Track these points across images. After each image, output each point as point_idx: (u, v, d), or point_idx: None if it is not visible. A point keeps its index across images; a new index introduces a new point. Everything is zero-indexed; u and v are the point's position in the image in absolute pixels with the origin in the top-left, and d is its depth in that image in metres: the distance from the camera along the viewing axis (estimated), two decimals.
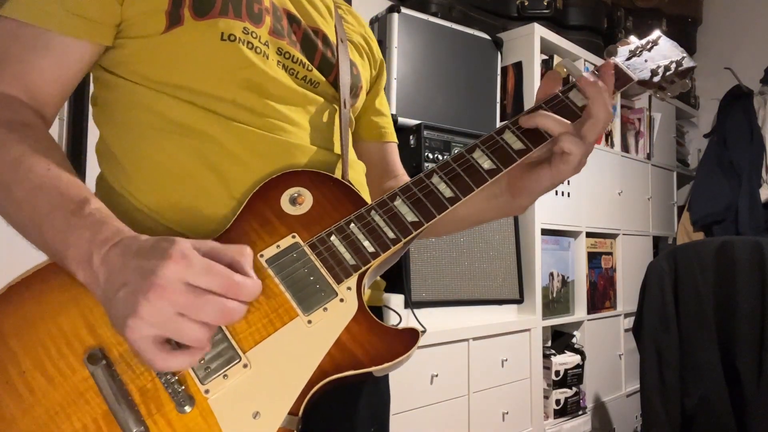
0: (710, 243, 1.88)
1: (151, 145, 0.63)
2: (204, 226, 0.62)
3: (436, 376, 1.73)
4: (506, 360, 1.99)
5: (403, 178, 0.90)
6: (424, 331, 1.68)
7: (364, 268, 0.59)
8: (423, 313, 1.74)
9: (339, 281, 0.58)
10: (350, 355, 0.55)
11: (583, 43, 2.56)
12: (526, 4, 2.42)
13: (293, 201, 0.62)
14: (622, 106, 2.90)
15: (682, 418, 1.82)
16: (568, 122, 0.66)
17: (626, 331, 2.71)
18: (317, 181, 0.64)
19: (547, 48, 2.37)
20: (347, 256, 0.59)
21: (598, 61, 2.63)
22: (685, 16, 3.32)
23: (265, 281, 0.56)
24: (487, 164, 0.65)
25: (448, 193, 0.64)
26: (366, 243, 0.60)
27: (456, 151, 1.92)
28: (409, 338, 0.56)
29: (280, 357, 0.54)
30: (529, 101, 2.27)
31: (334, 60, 0.74)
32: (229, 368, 0.52)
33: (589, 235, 2.56)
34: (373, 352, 0.55)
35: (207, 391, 0.51)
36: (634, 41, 0.79)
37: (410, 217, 0.62)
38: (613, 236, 2.75)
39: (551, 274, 2.35)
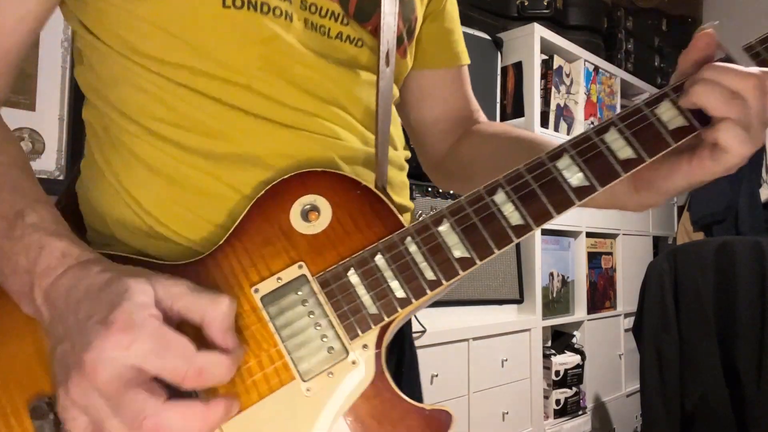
0: (710, 243, 1.88)
1: (144, 136, 0.51)
2: (202, 231, 0.50)
3: (436, 376, 1.73)
4: (506, 360, 1.99)
5: (484, 119, 0.75)
6: (427, 334, 1.68)
7: (387, 320, 0.44)
8: (423, 313, 1.74)
9: (353, 336, 0.44)
10: None
11: (583, 43, 2.56)
12: (526, 4, 2.42)
13: (305, 215, 0.47)
14: (623, 106, 2.90)
15: (682, 418, 1.81)
16: (742, 99, 0.45)
17: (626, 331, 2.71)
18: (340, 189, 0.48)
19: (547, 48, 2.37)
20: (367, 301, 0.45)
21: (599, 61, 2.63)
22: (685, 16, 3.32)
23: (254, 327, 0.44)
24: (576, 180, 0.47)
25: (515, 219, 0.46)
26: (394, 284, 0.45)
27: None
28: (438, 424, 0.43)
29: None
30: (529, 101, 2.27)
31: None
32: None
33: (589, 235, 2.56)
34: None
35: None
36: None
37: (459, 251, 0.46)
38: (613, 236, 2.75)
39: (551, 274, 2.35)
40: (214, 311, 0.39)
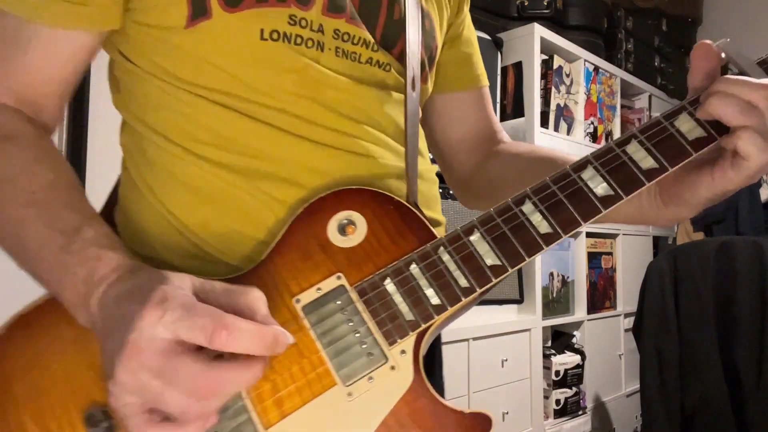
0: (710, 243, 1.89)
1: (186, 157, 0.53)
2: (245, 249, 0.52)
3: None
4: (506, 360, 1.99)
5: (507, 139, 0.76)
6: None
7: (423, 327, 0.46)
8: None
9: (392, 342, 0.46)
10: None
11: (583, 43, 2.56)
12: (526, 4, 2.42)
13: (342, 229, 0.50)
14: (622, 106, 2.90)
15: (682, 418, 1.82)
16: (757, 109, 0.47)
17: (626, 331, 2.71)
18: (374, 204, 0.51)
19: (547, 48, 2.37)
20: (404, 308, 0.47)
21: (599, 61, 2.63)
22: (685, 16, 3.32)
23: (296, 335, 0.45)
24: (600, 189, 0.49)
25: (544, 228, 0.48)
26: (429, 291, 0.47)
27: None
28: (478, 428, 0.44)
29: None
30: (529, 101, 2.27)
31: (400, 22, 0.59)
32: None
33: (589, 235, 2.56)
34: None
35: None
36: None
37: (490, 259, 0.48)
38: (613, 236, 2.75)
39: (551, 274, 2.35)
40: (246, 297, 0.40)
